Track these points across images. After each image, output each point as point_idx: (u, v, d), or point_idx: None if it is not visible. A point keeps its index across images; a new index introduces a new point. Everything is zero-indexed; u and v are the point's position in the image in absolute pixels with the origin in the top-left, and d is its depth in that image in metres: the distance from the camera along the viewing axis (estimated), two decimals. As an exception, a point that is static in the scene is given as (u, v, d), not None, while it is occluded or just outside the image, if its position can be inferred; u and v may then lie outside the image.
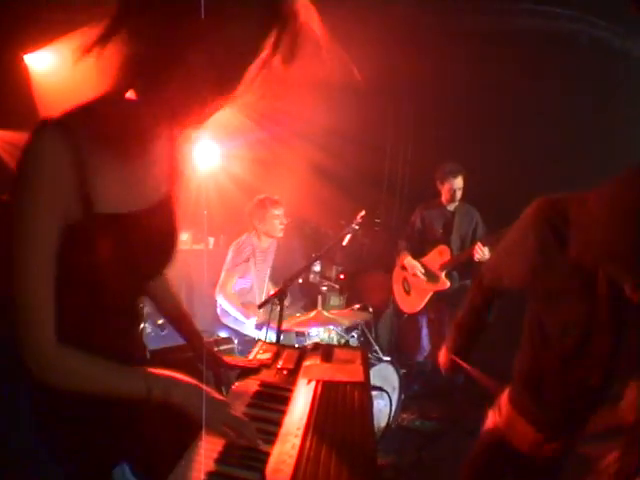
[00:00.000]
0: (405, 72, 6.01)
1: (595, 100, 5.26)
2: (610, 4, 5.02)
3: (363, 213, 4.39)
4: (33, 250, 1.27)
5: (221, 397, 1.57)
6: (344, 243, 4.47)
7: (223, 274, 4.94)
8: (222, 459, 1.43)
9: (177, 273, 5.45)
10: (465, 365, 2.77)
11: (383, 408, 4.12)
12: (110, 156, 1.32)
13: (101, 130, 1.28)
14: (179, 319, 2.11)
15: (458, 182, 5.31)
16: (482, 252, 4.99)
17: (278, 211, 4.94)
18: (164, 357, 3.36)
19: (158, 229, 1.52)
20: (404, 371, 4.64)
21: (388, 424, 4.24)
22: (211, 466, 1.39)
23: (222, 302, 4.88)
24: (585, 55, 5.37)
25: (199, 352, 2.13)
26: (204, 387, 1.50)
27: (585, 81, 5.31)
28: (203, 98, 1.23)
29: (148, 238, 1.48)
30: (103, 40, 1.22)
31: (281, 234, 5.02)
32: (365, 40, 5.34)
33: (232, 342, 4.44)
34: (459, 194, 5.34)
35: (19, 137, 5.58)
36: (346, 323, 4.56)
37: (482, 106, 5.91)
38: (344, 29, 4.83)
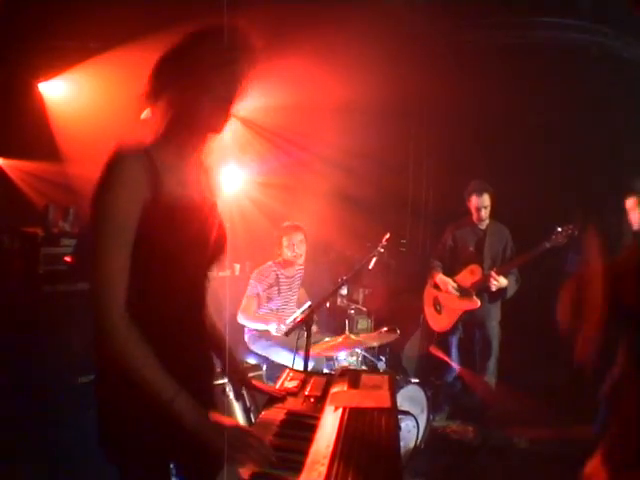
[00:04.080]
0: (425, 92, 6.03)
1: (611, 112, 5.24)
2: (620, 14, 5.00)
3: (388, 235, 4.38)
4: (118, 231, 1.65)
5: (232, 422, 1.68)
6: (370, 266, 4.45)
7: (243, 302, 4.97)
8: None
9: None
10: (442, 355, 2.75)
11: (412, 429, 4.09)
12: (170, 164, 1.80)
13: (160, 150, 1.78)
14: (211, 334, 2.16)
15: (483, 200, 5.27)
16: (497, 281, 5.11)
17: (293, 238, 4.96)
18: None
19: (211, 219, 1.90)
20: (432, 392, 4.59)
21: (416, 446, 4.19)
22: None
23: (243, 322, 4.90)
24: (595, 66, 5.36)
25: (228, 367, 2.16)
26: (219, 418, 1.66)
27: (601, 93, 5.30)
28: (214, 126, 1.87)
29: (207, 226, 1.86)
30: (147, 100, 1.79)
31: (296, 260, 5.03)
32: (384, 62, 5.38)
33: (260, 369, 4.44)
34: (484, 212, 5.31)
35: (36, 167, 5.67)
36: (374, 345, 4.53)
37: (503, 122, 5.90)
38: (363, 52, 4.89)
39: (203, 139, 1.90)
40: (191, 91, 1.76)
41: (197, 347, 1.93)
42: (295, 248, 4.97)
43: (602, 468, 2.01)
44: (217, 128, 1.87)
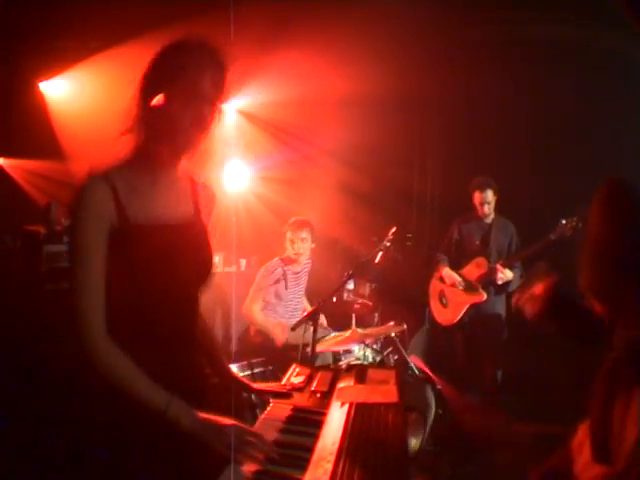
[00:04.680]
0: (430, 86, 6.00)
1: (616, 108, 5.23)
2: (620, 11, 4.97)
3: (394, 229, 4.36)
4: (86, 259, 1.65)
5: (229, 421, 1.63)
6: (376, 260, 4.44)
7: (250, 294, 4.95)
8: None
9: (210, 296, 5.47)
10: (422, 365, 2.78)
11: (418, 425, 4.07)
12: (137, 187, 1.75)
13: (129, 173, 1.76)
14: (203, 341, 2.12)
15: (486, 196, 5.28)
16: (504, 274, 5.11)
17: (295, 234, 4.93)
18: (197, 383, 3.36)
19: (190, 242, 1.84)
20: (439, 387, 4.56)
21: (422, 442, 4.17)
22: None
23: (247, 316, 4.91)
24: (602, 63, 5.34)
25: (222, 377, 2.15)
26: (213, 417, 1.63)
27: (607, 90, 5.29)
28: (192, 139, 1.77)
29: (181, 249, 1.79)
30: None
31: (297, 258, 5.01)
32: (389, 56, 5.35)
33: (267, 364, 4.43)
34: (487, 207, 5.31)
35: (37, 165, 5.68)
36: (382, 335, 4.52)
37: (509, 117, 5.88)
38: (367, 47, 4.87)
39: (180, 153, 1.83)
40: (170, 102, 1.71)
41: (186, 374, 1.87)
42: (295, 245, 4.94)
43: (587, 442, 2.02)
44: (194, 139, 1.78)
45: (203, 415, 1.63)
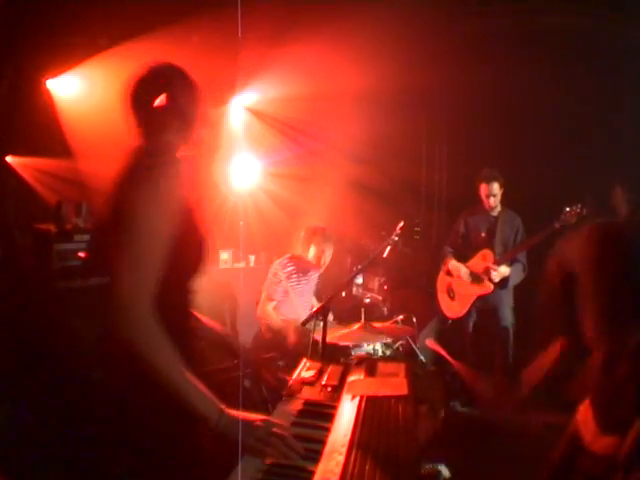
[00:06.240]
0: (437, 80, 6.00)
1: (623, 97, 5.23)
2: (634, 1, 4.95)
3: (402, 224, 4.37)
4: (156, 238, 1.66)
5: (259, 417, 1.63)
6: (385, 255, 4.45)
7: (263, 296, 4.94)
8: (266, 479, 1.44)
9: (220, 292, 5.49)
10: (438, 348, 2.88)
11: (429, 417, 4.09)
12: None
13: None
14: None
15: (492, 188, 5.30)
16: (497, 271, 5.17)
17: (323, 246, 4.92)
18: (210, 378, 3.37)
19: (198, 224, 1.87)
20: (449, 379, 4.58)
21: (434, 432, 4.19)
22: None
23: (264, 319, 4.90)
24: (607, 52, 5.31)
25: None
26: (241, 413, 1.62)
27: (613, 79, 5.27)
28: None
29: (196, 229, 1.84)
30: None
31: (318, 269, 5.01)
32: (395, 51, 5.35)
33: (278, 359, 4.44)
34: (493, 200, 5.33)
35: (47, 164, 5.66)
36: (390, 339, 4.51)
37: (517, 110, 5.88)
38: (374, 42, 4.87)
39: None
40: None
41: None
42: (322, 258, 4.93)
43: (590, 418, 2.15)
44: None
45: (232, 411, 1.61)
